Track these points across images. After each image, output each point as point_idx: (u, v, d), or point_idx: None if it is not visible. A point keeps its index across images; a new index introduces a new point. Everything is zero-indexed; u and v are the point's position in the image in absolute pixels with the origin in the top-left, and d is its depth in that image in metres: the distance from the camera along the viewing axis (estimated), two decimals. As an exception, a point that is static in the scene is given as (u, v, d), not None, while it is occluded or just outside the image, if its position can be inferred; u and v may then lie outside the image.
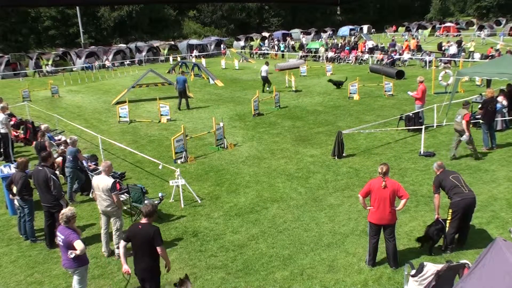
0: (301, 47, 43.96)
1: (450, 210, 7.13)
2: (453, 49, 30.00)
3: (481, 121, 12.37)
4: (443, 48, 32.58)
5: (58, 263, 7.60)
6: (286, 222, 8.69)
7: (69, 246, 5.85)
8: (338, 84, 23.39)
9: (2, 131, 12.99)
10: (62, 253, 6.09)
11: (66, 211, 6.04)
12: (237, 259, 7.45)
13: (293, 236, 8.11)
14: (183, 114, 19.24)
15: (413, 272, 5.70)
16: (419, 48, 33.69)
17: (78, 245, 5.77)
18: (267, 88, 23.20)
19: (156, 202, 9.07)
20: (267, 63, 23.84)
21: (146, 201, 9.02)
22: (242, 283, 6.76)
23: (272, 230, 8.39)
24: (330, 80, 23.94)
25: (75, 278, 6.12)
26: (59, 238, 5.97)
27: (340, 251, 7.50)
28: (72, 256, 5.81)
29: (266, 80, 23.23)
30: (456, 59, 27.86)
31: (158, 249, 5.63)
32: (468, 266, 5.39)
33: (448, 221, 7.18)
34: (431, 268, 5.54)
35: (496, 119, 12.97)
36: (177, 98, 20.31)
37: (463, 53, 29.69)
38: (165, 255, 5.82)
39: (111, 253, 7.75)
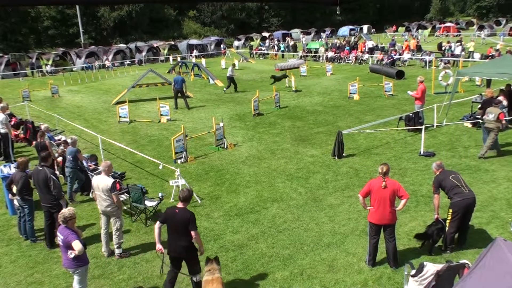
0: (295, 47, 43.81)
1: (450, 210, 7.13)
2: (458, 50, 29.84)
3: (481, 121, 12.37)
4: (443, 48, 32.57)
5: (58, 263, 7.60)
6: (286, 222, 8.69)
7: (68, 246, 5.88)
8: (281, 78, 24.31)
9: (2, 131, 12.99)
10: (62, 253, 6.11)
11: (64, 211, 6.07)
12: (237, 259, 7.45)
13: (293, 236, 8.11)
14: (183, 114, 19.24)
15: (413, 272, 5.70)
16: (419, 48, 33.68)
17: (76, 245, 5.80)
18: (225, 90, 23.87)
19: (157, 202, 9.09)
20: (233, 65, 24.97)
21: (145, 200, 9.03)
22: (242, 283, 6.76)
23: (272, 230, 8.39)
24: (272, 76, 24.68)
25: (75, 278, 6.14)
26: (59, 238, 6.00)
27: (340, 251, 7.50)
28: (71, 256, 5.84)
29: (229, 80, 23.71)
30: (457, 59, 27.85)
31: (193, 233, 6.02)
32: (468, 266, 5.39)
33: (448, 221, 7.18)
34: (431, 268, 5.54)
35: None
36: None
37: (463, 53, 29.68)
38: (198, 239, 6.17)
39: (111, 253, 7.75)
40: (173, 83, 20.17)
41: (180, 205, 6.16)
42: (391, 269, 6.87)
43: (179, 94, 20.05)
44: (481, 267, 4.19)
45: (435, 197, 7.36)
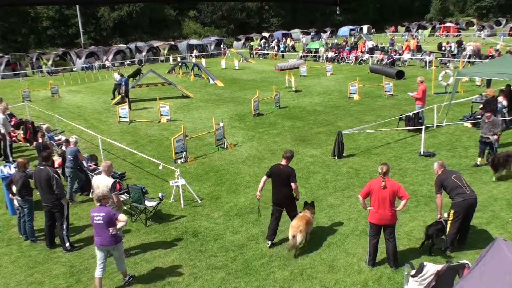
0: (265, 43, 44.21)
1: (452, 211, 7.12)
2: (469, 50, 29.52)
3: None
4: (443, 48, 32.57)
5: (58, 263, 7.62)
6: (286, 223, 8.66)
7: (110, 222, 6.32)
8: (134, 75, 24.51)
9: (2, 131, 12.98)
10: (97, 232, 6.44)
11: (100, 191, 6.81)
12: (237, 259, 7.45)
13: (293, 236, 8.10)
14: (183, 114, 19.25)
15: (413, 272, 5.69)
16: (419, 48, 33.67)
17: (122, 217, 6.43)
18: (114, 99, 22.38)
19: (157, 202, 9.10)
20: (119, 73, 22.58)
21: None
22: (242, 283, 6.76)
23: (272, 230, 8.38)
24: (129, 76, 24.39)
25: (115, 255, 6.63)
26: (98, 217, 6.35)
27: (340, 251, 7.50)
28: (114, 232, 6.34)
29: (115, 89, 22.38)
30: (456, 59, 27.83)
31: (293, 185, 7.51)
32: (468, 266, 5.38)
33: (449, 222, 7.17)
34: (431, 268, 5.54)
35: (496, 119, 12.93)
36: (177, 98, 20.34)
37: (463, 53, 29.62)
38: (297, 189, 7.63)
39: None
40: (122, 85, 20.66)
41: (283, 162, 7.64)
42: (391, 269, 6.87)
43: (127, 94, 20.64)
44: (481, 267, 4.19)
45: (438, 197, 7.32)
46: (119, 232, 6.68)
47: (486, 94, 12.91)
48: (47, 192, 7.82)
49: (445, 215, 7.34)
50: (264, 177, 7.77)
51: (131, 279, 6.94)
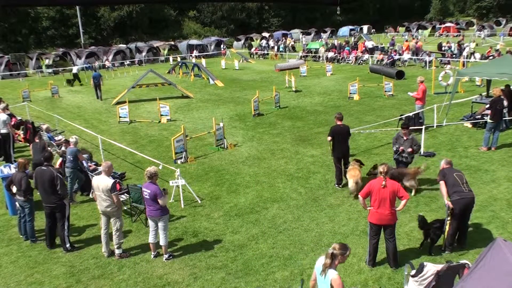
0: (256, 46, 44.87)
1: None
2: (466, 50, 29.54)
3: (489, 120, 12.20)
4: (443, 48, 32.57)
5: (59, 263, 7.62)
6: (286, 222, 8.69)
7: (154, 199, 7.11)
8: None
9: (3, 131, 12.96)
10: (147, 206, 7.34)
11: (150, 168, 7.32)
12: (237, 259, 7.45)
13: (293, 236, 8.11)
14: (183, 114, 19.26)
15: (413, 272, 5.70)
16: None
17: (162, 201, 7.18)
18: None
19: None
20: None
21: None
22: (242, 283, 6.76)
23: (272, 231, 8.39)
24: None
25: (160, 225, 7.33)
26: (145, 192, 7.22)
27: (340, 251, 7.49)
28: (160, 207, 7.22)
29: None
30: (455, 59, 27.82)
31: (349, 138, 10.04)
32: (468, 266, 5.39)
33: (448, 221, 7.17)
34: (431, 268, 5.54)
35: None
36: (177, 98, 20.37)
37: (465, 53, 29.61)
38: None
39: (111, 253, 7.74)
40: (92, 79, 23.12)
41: (339, 122, 9.79)
42: (391, 269, 6.87)
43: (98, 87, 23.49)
44: (481, 267, 4.18)
45: (441, 184, 7.33)
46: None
47: (493, 93, 12.76)
48: (50, 192, 7.76)
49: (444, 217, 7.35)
50: (329, 138, 9.81)
51: (171, 257, 7.52)
